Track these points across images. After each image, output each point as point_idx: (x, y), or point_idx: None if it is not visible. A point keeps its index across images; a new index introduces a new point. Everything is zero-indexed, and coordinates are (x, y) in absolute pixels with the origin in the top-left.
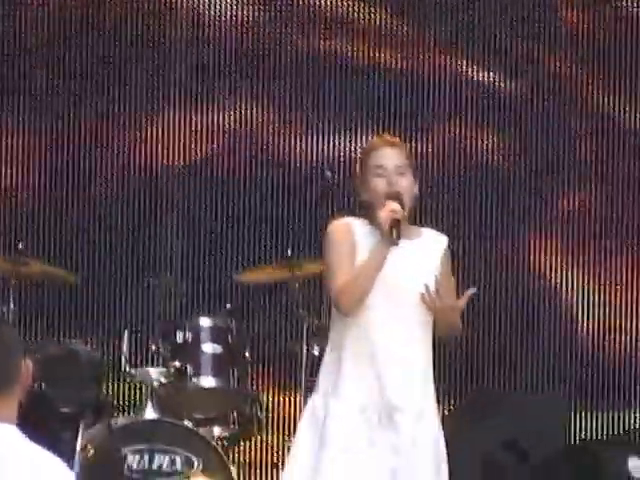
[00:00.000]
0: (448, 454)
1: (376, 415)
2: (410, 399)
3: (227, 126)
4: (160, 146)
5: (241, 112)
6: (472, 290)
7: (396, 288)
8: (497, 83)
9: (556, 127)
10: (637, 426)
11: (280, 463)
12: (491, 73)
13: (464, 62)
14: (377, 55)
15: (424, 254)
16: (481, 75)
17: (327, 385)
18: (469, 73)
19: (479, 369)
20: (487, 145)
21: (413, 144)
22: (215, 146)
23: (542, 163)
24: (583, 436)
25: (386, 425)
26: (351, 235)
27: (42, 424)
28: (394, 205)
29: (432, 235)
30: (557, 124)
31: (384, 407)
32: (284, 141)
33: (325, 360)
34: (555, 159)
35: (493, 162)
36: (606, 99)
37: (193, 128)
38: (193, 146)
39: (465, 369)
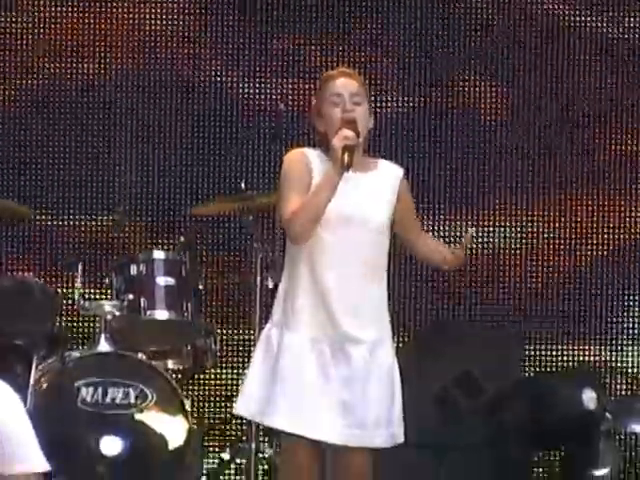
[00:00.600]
0: (402, 386)
1: (328, 348)
2: (363, 332)
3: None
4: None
5: (197, 46)
6: (471, 231)
7: (351, 221)
8: None
9: None
10: (591, 359)
11: (233, 396)
12: None
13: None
14: None
15: (380, 186)
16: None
17: (280, 316)
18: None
19: (435, 301)
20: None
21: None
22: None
23: None
24: (537, 370)
25: (339, 358)
26: (306, 164)
27: None
28: (347, 132)
29: (388, 166)
30: None
31: (337, 340)
32: (238, 75)
33: (279, 291)
34: None
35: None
36: None
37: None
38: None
39: (422, 301)
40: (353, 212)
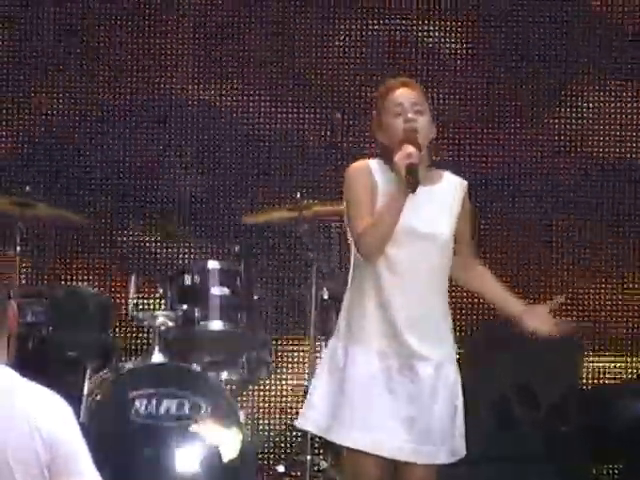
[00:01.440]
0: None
1: (396, 363)
2: (430, 349)
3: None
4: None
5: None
6: (560, 299)
7: (418, 235)
8: None
9: None
10: None
11: (288, 408)
12: None
13: None
14: None
15: (446, 199)
16: None
17: (346, 330)
18: None
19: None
20: None
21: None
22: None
23: None
24: (595, 380)
25: (406, 374)
26: (370, 176)
27: (49, 368)
28: (409, 149)
29: (453, 179)
30: None
31: (404, 355)
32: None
33: (345, 304)
34: None
35: None
36: None
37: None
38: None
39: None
40: (420, 226)
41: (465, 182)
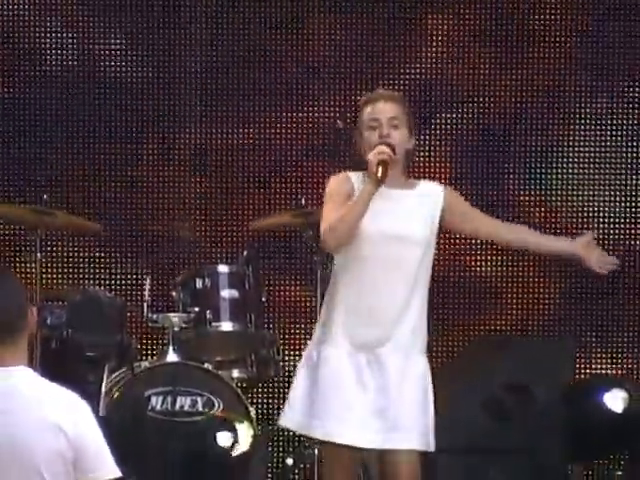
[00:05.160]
0: (451, 397)
1: (364, 358)
2: (398, 343)
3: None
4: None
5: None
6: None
7: (390, 237)
8: None
9: None
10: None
11: None
12: None
13: None
14: None
15: (419, 204)
16: None
17: (320, 333)
18: None
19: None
20: None
21: None
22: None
23: None
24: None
25: (374, 367)
26: (348, 185)
27: (69, 368)
28: (382, 147)
29: (427, 185)
30: None
31: (372, 351)
32: (302, 93)
33: (323, 304)
34: None
35: None
36: None
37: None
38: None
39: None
40: (392, 229)
41: (441, 187)
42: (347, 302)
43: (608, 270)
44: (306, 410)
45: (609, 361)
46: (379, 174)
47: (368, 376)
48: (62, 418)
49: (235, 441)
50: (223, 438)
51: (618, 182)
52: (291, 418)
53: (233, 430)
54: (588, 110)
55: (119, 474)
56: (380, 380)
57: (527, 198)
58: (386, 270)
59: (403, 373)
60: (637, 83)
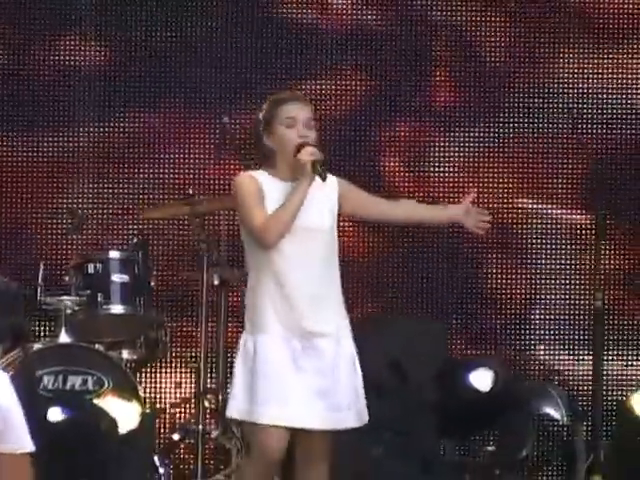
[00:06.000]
0: None
1: (299, 344)
2: (327, 326)
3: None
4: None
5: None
6: (473, 194)
7: (305, 230)
8: None
9: None
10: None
11: (182, 383)
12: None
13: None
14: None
15: (324, 196)
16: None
17: (251, 323)
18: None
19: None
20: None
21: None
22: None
23: None
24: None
25: (309, 352)
26: (255, 184)
27: None
28: (311, 148)
29: (328, 180)
30: None
31: (305, 336)
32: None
33: (247, 301)
34: None
35: None
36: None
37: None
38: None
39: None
40: (305, 221)
41: (334, 177)
42: (272, 293)
43: (483, 228)
44: (249, 398)
45: (479, 341)
46: (321, 172)
47: (304, 360)
48: None
49: (124, 418)
50: (112, 415)
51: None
52: (236, 408)
53: (122, 408)
54: None
55: (33, 448)
56: (316, 363)
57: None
58: (303, 260)
59: (336, 356)
60: None
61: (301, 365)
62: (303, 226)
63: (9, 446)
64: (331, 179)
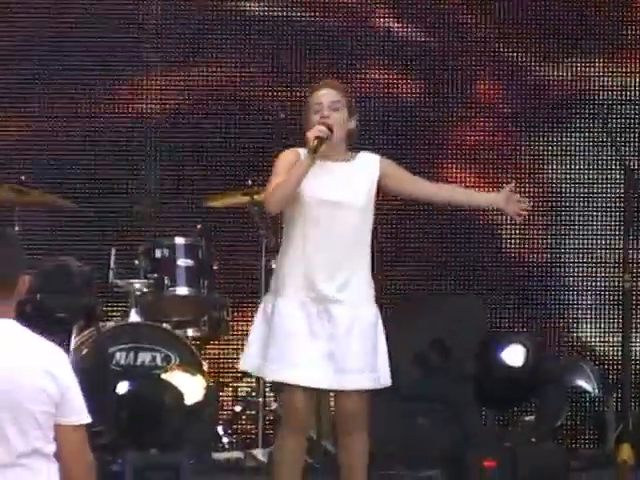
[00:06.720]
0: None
1: (315, 309)
2: (342, 294)
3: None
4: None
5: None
6: (512, 184)
7: (331, 204)
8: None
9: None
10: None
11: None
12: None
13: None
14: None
15: (357, 173)
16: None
17: (274, 286)
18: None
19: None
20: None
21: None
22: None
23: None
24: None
25: (323, 317)
26: (294, 156)
27: (41, 328)
28: (320, 126)
29: (365, 156)
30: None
31: (320, 302)
32: (245, 85)
33: (275, 265)
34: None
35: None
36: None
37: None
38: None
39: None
40: (333, 197)
41: (377, 156)
42: (295, 259)
43: (522, 215)
44: (262, 355)
45: (514, 319)
46: (313, 146)
47: (318, 325)
48: (52, 364)
49: (190, 391)
50: (179, 389)
51: None
52: (249, 362)
53: (188, 382)
54: None
55: (89, 420)
56: (330, 329)
57: None
58: (326, 232)
59: (351, 322)
60: None
61: (315, 329)
62: (333, 200)
63: (67, 419)
64: (373, 158)
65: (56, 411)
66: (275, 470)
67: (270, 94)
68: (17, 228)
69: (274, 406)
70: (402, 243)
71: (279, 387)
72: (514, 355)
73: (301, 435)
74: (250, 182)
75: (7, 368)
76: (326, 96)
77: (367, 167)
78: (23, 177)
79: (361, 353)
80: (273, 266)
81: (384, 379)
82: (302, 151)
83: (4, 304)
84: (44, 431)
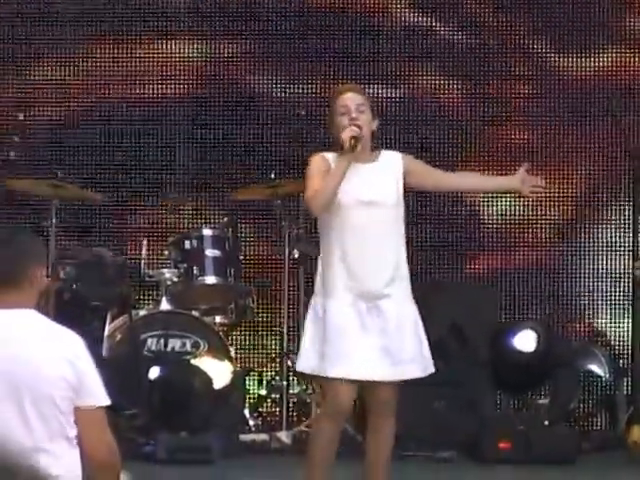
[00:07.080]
0: None
1: (364, 306)
2: (388, 289)
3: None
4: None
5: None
6: (527, 164)
7: (367, 203)
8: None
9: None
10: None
11: (268, 344)
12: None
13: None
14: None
15: (386, 171)
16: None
17: (320, 287)
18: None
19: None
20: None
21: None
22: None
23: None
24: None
25: (373, 312)
26: (325, 162)
27: (78, 315)
28: (353, 127)
29: (388, 154)
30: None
31: (370, 299)
32: (271, 85)
33: (318, 267)
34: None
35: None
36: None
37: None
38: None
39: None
40: (368, 196)
41: (399, 153)
42: (337, 261)
43: (536, 193)
44: (318, 356)
45: (526, 306)
46: (352, 144)
47: (369, 321)
48: (69, 351)
49: (218, 376)
50: (208, 373)
51: None
52: (305, 364)
53: (216, 366)
54: None
55: (108, 402)
56: (380, 324)
57: None
58: (364, 231)
59: (398, 318)
60: None
61: (367, 325)
62: (366, 200)
63: (86, 402)
64: (396, 156)
65: (75, 395)
66: (310, 452)
67: (293, 91)
68: (54, 221)
69: (296, 390)
70: (416, 231)
71: (316, 377)
72: (526, 341)
73: (340, 423)
74: (273, 176)
75: (27, 356)
76: (352, 99)
77: (391, 165)
78: (59, 173)
79: (412, 345)
80: (295, 255)
81: (430, 367)
82: (329, 155)
83: (14, 294)
84: (65, 415)
